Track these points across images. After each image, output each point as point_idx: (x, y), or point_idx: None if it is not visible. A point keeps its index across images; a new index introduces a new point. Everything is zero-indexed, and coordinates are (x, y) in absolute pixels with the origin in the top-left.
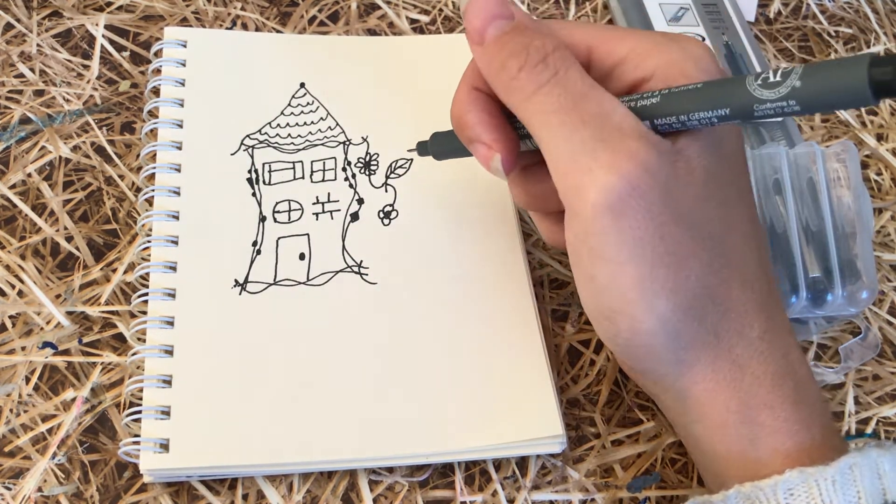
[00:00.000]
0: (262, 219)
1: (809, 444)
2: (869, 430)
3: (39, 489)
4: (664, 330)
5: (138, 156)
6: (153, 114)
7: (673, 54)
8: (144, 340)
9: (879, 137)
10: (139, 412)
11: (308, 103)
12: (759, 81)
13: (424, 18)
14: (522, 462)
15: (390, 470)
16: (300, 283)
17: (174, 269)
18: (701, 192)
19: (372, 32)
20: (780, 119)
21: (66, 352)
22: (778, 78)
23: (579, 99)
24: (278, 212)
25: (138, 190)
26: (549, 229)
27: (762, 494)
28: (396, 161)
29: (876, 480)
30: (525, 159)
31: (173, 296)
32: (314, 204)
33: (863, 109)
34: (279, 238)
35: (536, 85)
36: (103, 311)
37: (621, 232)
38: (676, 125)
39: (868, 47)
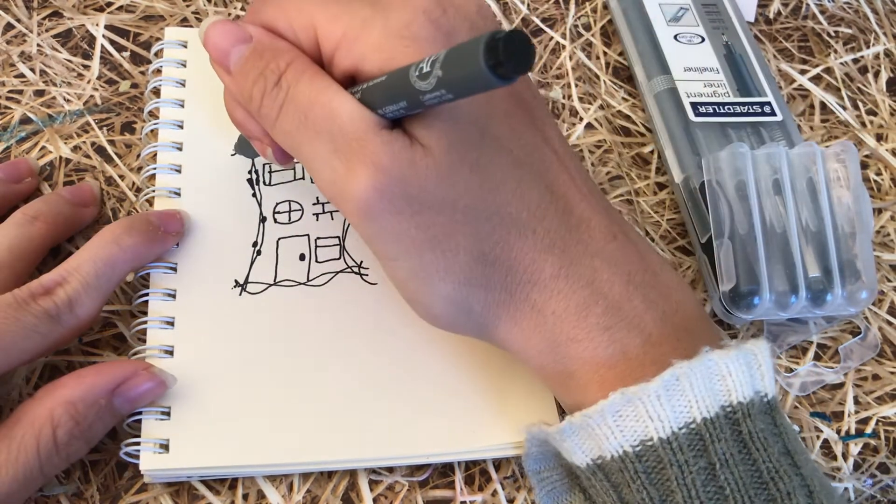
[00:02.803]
0: (263, 219)
1: (625, 366)
2: (869, 430)
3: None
4: (455, 308)
5: (139, 156)
6: (154, 114)
7: (375, 35)
8: (145, 340)
9: (879, 137)
10: (139, 412)
11: None
12: (417, 73)
13: None
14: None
15: (390, 470)
16: (300, 283)
17: (174, 269)
18: (445, 168)
19: None
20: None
21: (67, 351)
22: (428, 68)
23: (309, 110)
24: (278, 212)
25: (139, 190)
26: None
27: (592, 422)
28: None
29: (716, 384)
30: None
31: (173, 296)
32: (314, 204)
33: (862, 109)
34: (279, 238)
35: (277, 109)
36: (103, 311)
37: (382, 233)
38: (392, 114)
39: (868, 47)
